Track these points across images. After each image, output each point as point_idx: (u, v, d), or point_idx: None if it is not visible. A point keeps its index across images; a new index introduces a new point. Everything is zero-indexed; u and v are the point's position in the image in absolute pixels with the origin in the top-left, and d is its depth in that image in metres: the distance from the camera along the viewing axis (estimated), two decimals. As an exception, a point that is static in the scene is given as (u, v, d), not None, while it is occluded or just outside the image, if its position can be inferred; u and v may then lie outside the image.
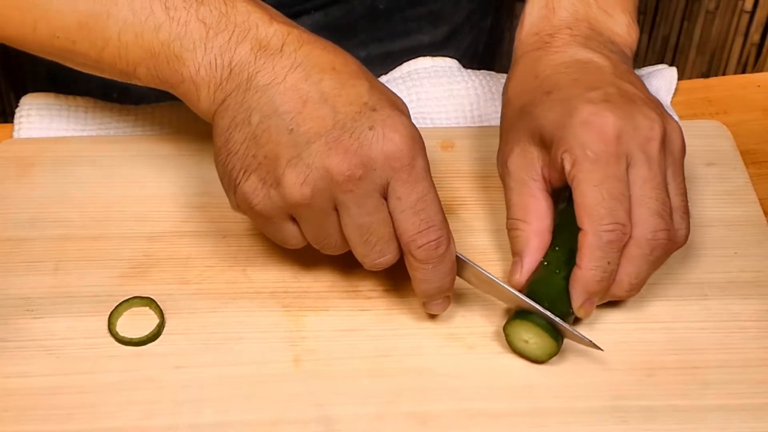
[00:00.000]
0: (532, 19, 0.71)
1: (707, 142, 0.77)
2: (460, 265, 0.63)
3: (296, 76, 0.60)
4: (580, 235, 0.61)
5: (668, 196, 0.62)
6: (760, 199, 0.73)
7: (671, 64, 0.87)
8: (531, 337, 0.62)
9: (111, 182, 0.74)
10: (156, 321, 0.65)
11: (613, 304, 0.66)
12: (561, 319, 0.62)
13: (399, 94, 0.82)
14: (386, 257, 0.61)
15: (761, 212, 0.72)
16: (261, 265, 0.68)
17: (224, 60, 0.61)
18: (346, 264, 0.68)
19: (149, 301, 0.66)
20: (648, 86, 0.82)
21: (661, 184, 0.62)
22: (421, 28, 0.94)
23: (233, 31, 0.62)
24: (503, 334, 0.63)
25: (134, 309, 0.66)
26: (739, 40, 1.47)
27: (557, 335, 0.62)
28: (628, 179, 0.62)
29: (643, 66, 0.86)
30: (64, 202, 0.72)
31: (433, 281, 0.61)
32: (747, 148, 0.78)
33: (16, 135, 0.79)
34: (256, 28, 0.62)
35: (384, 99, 0.61)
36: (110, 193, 0.73)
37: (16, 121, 0.80)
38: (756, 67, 1.50)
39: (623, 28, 0.71)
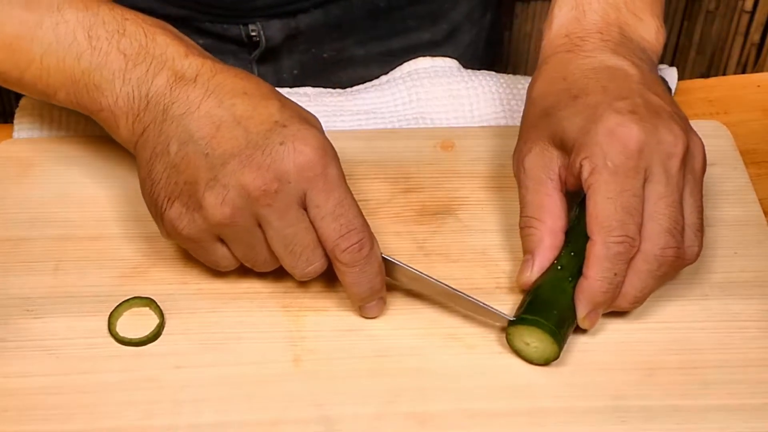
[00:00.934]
0: (561, 20, 0.71)
1: (707, 142, 0.77)
2: (388, 266, 0.65)
3: (210, 104, 0.62)
4: (589, 245, 0.61)
5: (682, 215, 0.62)
6: (760, 199, 0.73)
7: (671, 64, 0.87)
8: (533, 341, 0.62)
9: (111, 182, 0.74)
10: (156, 321, 0.65)
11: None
12: (562, 327, 0.61)
13: (399, 94, 0.83)
14: (314, 265, 0.63)
15: (761, 212, 0.72)
16: (261, 265, 0.68)
17: (141, 91, 0.64)
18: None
19: (149, 302, 0.66)
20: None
21: (676, 201, 0.62)
22: (420, 27, 0.94)
23: (151, 63, 0.64)
24: (504, 333, 0.63)
25: (134, 309, 0.66)
26: (739, 40, 1.47)
27: (560, 341, 0.62)
28: (644, 194, 0.62)
29: (643, 66, 0.86)
30: (64, 202, 0.72)
31: (363, 283, 0.63)
32: (747, 148, 0.78)
33: (16, 135, 0.79)
34: (173, 60, 0.64)
35: (294, 116, 0.63)
36: (110, 193, 0.73)
37: (16, 121, 0.80)
38: (756, 67, 1.50)
39: (652, 33, 0.71)
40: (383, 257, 0.64)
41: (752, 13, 1.44)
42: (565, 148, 0.65)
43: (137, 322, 0.65)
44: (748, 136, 0.78)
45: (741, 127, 0.78)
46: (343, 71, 0.93)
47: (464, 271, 0.68)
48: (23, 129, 0.79)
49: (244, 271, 0.67)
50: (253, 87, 0.64)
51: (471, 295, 0.64)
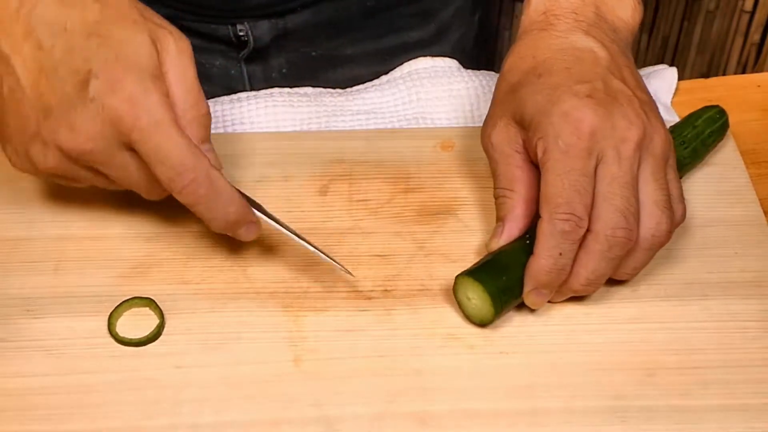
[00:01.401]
0: None
1: (707, 142, 0.77)
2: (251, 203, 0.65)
3: (30, 45, 0.61)
4: (539, 222, 0.62)
5: (636, 197, 0.62)
6: (760, 199, 0.73)
7: (671, 64, 0.87)
8: (474, 297, 0.63)
9: (111, 182, 0.74)
10: (156, 321, 0.65)
11: (613, 303, 0.66)
12: (504, 295, 0.63)
13: (399, 94, 0.83)
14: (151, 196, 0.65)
15: (761, 212, 0.73)
16: (261, 265, 0.68)
17: None
18: (347, 264, 0.68)
19: (149, 302, 0.66)
20: (648, 86, 0.82)
21: (629, 183, 0.62)
22: (409, 26, 0.95)
23: None
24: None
25: (134, 309, 0.66)
26: (739, 40, 1.47)
27: (498, 306, 0.63)
28: (597, 176, 0.62)
29: (643, 66, 0.86)
30: (64, 202, 0.72)
31: (218, 218, 0.63)
32: (747, 148, 0.78)
33: (16, 135, 0.79)
34: None
35: (110, 57, 0.60)
36: (110, 193, 0.73)
37: (16, 121, 0.80)
38: (756, 67, 1.50)
39: (628, 12, 0.72)
40: (242, 193, 0.64)
41: (752, 13, 1.44)
42: (524, 126, 0.65)
43: (137, 323, 0.65)
44: (748, 136, 0.78)
45: (741, 127, 0.78)
46: (332, 70, 0.94)
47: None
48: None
49: (244, 271, 0.67)
50: (77, 18, 0.61)
51: (319, 247, 0.65)
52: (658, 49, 1.52)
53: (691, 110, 0.77)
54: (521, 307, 0.65)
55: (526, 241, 0.64)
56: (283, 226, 0.66)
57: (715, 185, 0.74)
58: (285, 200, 0.73)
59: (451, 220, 0.72)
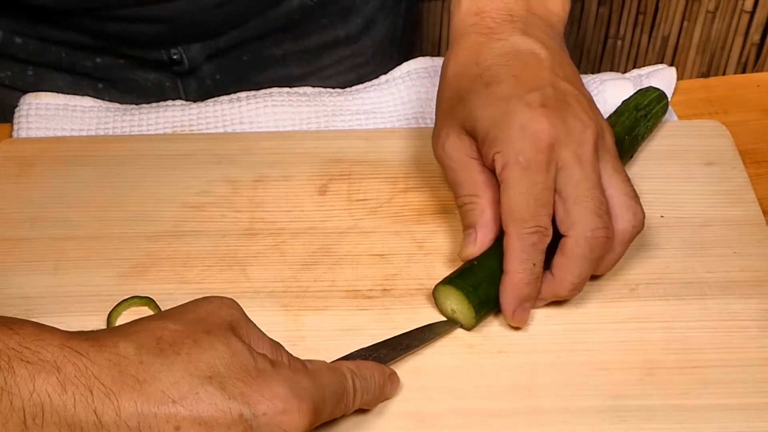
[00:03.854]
0: None
1: (707, 141, 0.77)
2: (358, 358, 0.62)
3: None
4: (505, 239, 0.62)
5: (604, 195, 0.63)
6: (759, 199, 0.73)
7: (671, 64, 0.87)
8: (456, 307, 0.64)
9: (111, 182, 0.74)
10: (155, 320, 0.65)
11: (612, 303, 0.66)
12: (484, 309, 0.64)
13: (399, 94, 0.83)
14: None
15: (760, 212, 0.73)
16: (260, 264, 0.68)
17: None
18: (347, 263, 0.68)
19: (148, 301, 0.66)
20: (648, 86, 0.82)
21: (596, 183, 0.63)
22: (334, 24, 0.95)
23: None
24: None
25: (134, 309, 0.66)
26: (739, 40, 1.47)
27: (481, 311, 0.63)
28: (561, 182, 0.62)
29: (643, 66, 0.86)
30: (64, 202, 0.72)
31: (375, 397, 0.59)
32: (747, 147, 0.78)
33: (15, 135, 0.79)
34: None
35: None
36: (110, 193, 0.73)
37: (15, 120, 0.80)
38: (756, 67, 1.50)
39: (558, 4, 0.71)
40: (355, 357, 0.61)
41: (752, 13, 1.44)
42: (477, 136, 0.65)
43: (137, 322, 0.65)
44: (747, 135, 0.78)
45: (740, 126, 0.78)
46: (263, 72, 0.94)
47: (464, 270, 0.68)
48: (23, 129, 0.79)
49: (243, 270, 0.67)
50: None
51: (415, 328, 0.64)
52: (658, 49, 1.52)
53: (691, 110, 0.77)
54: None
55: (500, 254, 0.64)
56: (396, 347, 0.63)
57: (715, 185, 0.74)
58: (284, 200, 0.73)
59: (450, 219, 0.72)
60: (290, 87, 0.83)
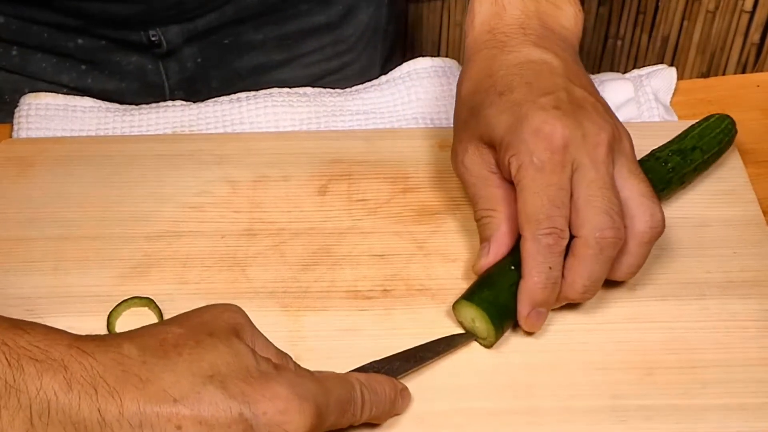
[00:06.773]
0: (482, 17, 0.71)
1: (706, 141, 0.77)
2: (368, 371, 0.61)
3: None
4: (521, 243, 0.62)
5: (617, 197, 0.62)
6: (759, 199, 0.73)
7: (671, 64, 0.87)
8: (478, 322, 0.63)
9: (111, 182, 0.74)
10: (155, 321, 0.65)
11: (612, 303, 0.66)
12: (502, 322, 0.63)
13: (399, 94, 0.83)
14: None
15: (760, 212, 0.73)
16: (260, 264, 0.68)
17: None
18: (346, 264, 0.68)
19: (148, 302, 0.66)
20: (648, 86, 0.82)
21: (608, 184, 0.62)
22: (312, 10, 0.94)
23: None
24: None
25: (133, 309, 0.66)
26: (739, 40, 1.47)
27: (500, 328, 0.63)
28: (575, 184, 0.62)
29: (643, 66, 0.86)
30: (63, 202, 0.72)
31: (382, 417, 0.59)
32: (746, 148, 0.78)
33: (15, 135, 0.79)
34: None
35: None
36: (110, 193, 0.73)
37: (15, 121, 0.80)
38: (756, 67, 1.50)
39: (571, 20, 0.71)
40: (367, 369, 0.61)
41: (752, 13, 1.44)
42: (494, 146, 0.65)
43: (137, 322, 0.64)
44: (747, 135, 0.78)
45: (741, 127, 0.78)
46: (243, 56, 0.94)
47: (463, 271, 0.68)
48: (23, 129, 0.79)
49: (243, 271, 0.68)
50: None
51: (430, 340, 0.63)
52: (658, 49, 1.52)
53: (691, 110, 0.77)
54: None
55: (511, 267, 0.63)
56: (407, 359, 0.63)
57: (715, 185, 0.74)
58: (284, 200, 0.73)
59: (450, 220, 0.72)
60: (271, 74, 0.83)
